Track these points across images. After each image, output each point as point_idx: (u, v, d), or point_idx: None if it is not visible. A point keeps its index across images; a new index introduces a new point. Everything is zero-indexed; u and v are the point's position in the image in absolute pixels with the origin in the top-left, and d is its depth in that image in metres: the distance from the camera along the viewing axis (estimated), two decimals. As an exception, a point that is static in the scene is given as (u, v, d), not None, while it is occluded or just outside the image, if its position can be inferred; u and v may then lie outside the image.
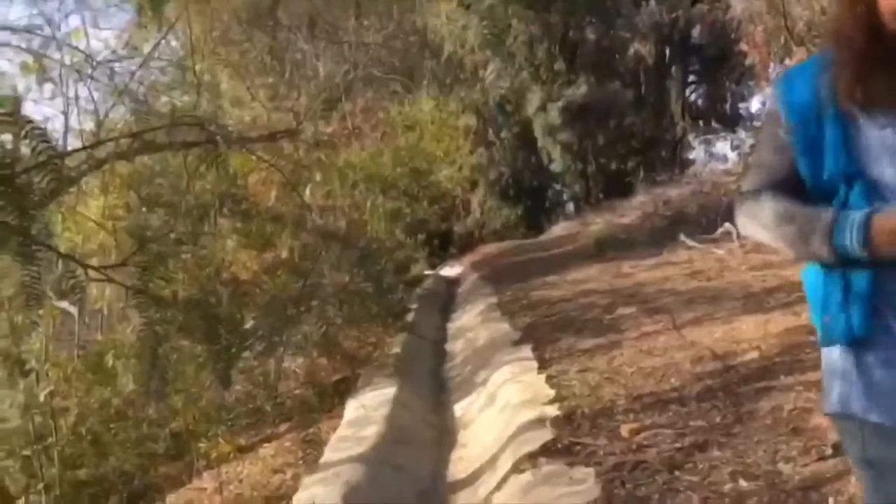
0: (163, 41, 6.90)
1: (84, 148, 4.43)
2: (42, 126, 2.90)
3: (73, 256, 3.57)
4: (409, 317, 9.63)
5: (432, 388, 7.17)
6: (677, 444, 3.86)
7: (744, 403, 4.45)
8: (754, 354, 5.34)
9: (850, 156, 1.54)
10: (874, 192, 1.52)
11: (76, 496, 7.06)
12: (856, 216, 1.48)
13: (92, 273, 3.76)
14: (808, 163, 1.59)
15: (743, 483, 3.47)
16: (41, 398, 6.80)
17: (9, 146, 2.70)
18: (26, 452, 7.42)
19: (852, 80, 1.51)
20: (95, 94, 5.06)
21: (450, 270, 17.43)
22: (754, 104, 19.40)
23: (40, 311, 3.93)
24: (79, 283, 3.48)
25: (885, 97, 1.48)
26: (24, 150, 3.02)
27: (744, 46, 12.39)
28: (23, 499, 7.32)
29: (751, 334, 5.86)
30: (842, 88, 1.52)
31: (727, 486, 3.42)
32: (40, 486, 7.37)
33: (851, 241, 1.48)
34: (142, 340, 4.32)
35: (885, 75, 1.48)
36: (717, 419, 4.23)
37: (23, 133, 2.77)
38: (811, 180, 1.59)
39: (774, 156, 1.65)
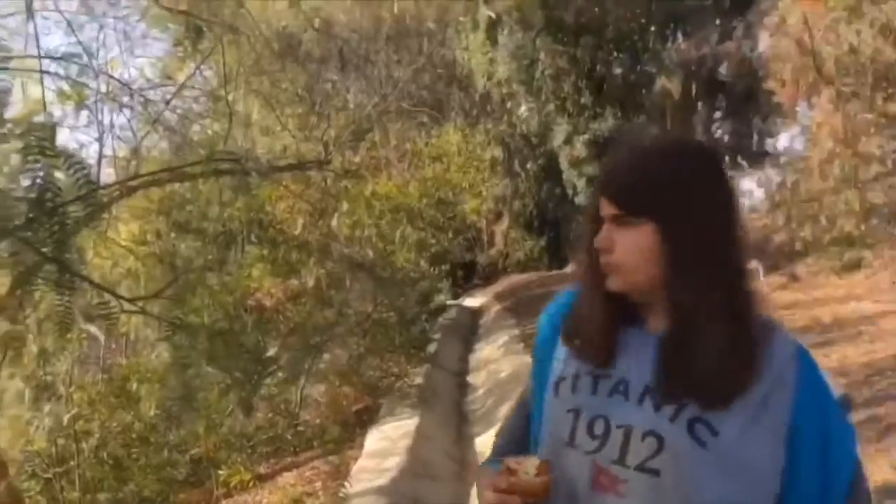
0: (196, 71, 7.02)
1: (126, 180, 4.50)
2: (80, 158, 2.95)
3: (107, 288, 3.61)
4: (432, 347, 9.61)
5: (454, 421, 7.12)
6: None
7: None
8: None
9: None
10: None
11: (95, 520, 7.07)
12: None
13: (125, 304, 3.80)
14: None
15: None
16: (65, 421, 6.84)
17: (44, 175, 2.73)
18: (48, 475, 7.46)
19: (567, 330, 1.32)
20: (131, 123, 5.14)
21: (473, 301, 17.40)
22: (781, 141, 19.29)
23: (69, 336, 3.97)
24: (112, 314, 3.51)
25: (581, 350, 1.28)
26: (58, 174, 3.05)
27: (772, 84, 12.35)
28: (43, 521, 7.33)
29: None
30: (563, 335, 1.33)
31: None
32: (61, 508, 7.37)
33: None
34: (170, 369, 4.35)
35: (588, 329, 1.28)
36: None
37: (63, 163, 2.81)
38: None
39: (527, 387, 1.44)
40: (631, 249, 1.21)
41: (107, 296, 3.38)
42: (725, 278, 1.19)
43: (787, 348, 1.20)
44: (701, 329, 1.17)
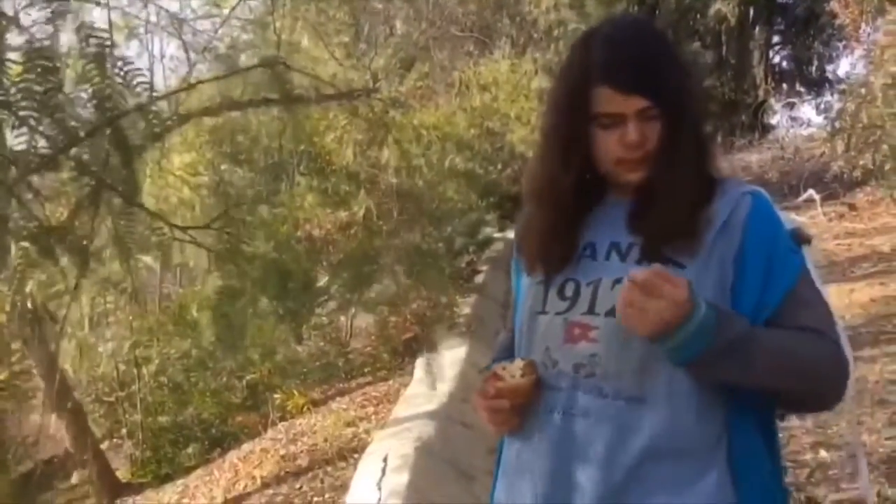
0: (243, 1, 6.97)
1: (182, 89, 4.53)
2: (135, 64, 2.93)
3: (160, 215, 3.68)
4: (480, 278, 9.64)
5: (502, 349, 7.18)
6: (755, 413, 3.79)
7: (825, 374, 4.33)
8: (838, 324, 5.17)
9: None
10: None
11: (157, 441, 7.39)
12: None
13: (177, 233, 3.87)
14: None
15: (824, 453, 3.39)
16: (125, 348, 7.09)
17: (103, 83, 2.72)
18: (110, 399, 7.78)
19: (537, 248, 1.34)
20: (179, 53, 5.16)
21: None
22: (843, 66, 18.55)
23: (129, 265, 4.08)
24: (164, 241, 3.59)
25: (560, 264, 1.29)
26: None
27: (834, 6, 11.82)
28: (107, 443, 7.70)
29: (834, 304, 5.66)
30: (526, 258, 1.36)
31: (807, 457, 3.36)
32: (123, 431, 7.72)
33: None
34: (223, 297, 4.45)
35: (566, 240, 1.29)
36: (797, 389, 4.13)
37: (120, 73, 2.81)
38: None
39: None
40: (655, 140, 1.23)
41: (160, 223, 3.44)
42: (701, 149, 1.28)
43: (737, 188, 1.27)
44: (673, 183, 1.23)
